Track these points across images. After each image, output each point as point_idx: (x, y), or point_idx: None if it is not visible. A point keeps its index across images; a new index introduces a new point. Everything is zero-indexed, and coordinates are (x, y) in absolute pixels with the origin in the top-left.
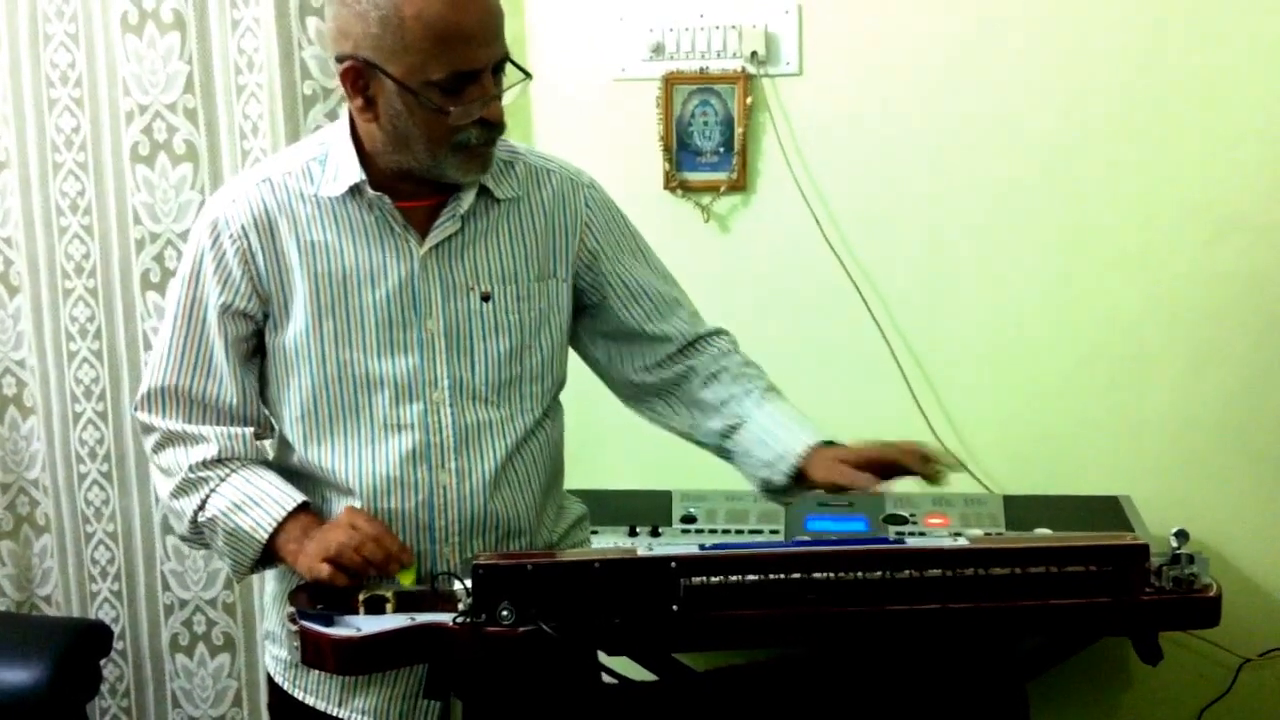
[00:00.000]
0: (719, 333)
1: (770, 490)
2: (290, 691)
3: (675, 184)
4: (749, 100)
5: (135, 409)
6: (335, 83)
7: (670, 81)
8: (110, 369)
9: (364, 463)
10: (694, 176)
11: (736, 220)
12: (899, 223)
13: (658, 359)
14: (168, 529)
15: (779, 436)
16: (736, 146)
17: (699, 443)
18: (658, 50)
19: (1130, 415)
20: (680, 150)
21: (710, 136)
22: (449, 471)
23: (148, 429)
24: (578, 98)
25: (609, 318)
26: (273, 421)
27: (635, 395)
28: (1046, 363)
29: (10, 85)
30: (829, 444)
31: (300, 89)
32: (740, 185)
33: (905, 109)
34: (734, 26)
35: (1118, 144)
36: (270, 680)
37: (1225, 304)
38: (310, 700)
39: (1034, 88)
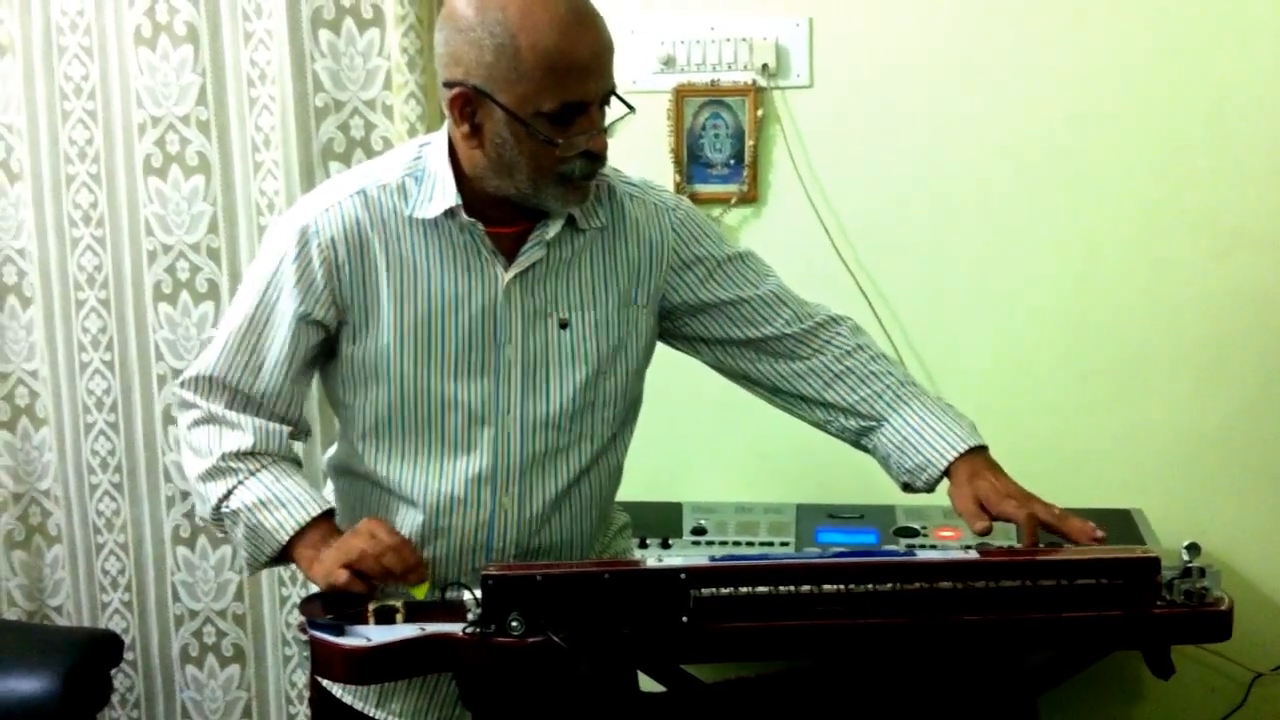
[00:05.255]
0: (836, 321)
1: (911, 491)
2: (330, 689)
3: (686, 196)
4: (760, 113)
5: (180, 385)
6: (346, 94)
7: (681, 94)
8: (122, 380)
9: (430, 480)
10: (705, 189)
11: (747, 233)
12: (909, 235)
13: (769, 358)
14: (178, 539)
15: (918, 447)
16: (747, 159)
17: (835, 436)
18: (668, 63)
19: (1141, 428)
20: (691, 163)
21: (721, 149)
22: (511, 496)
23: (188, 405)
24: None
25: (708, 329)
26: (308, 424)
27: (761, 391)
28: (1056, 375)
29: (24, 97)
30: (979, 448)
31: (312, 101)
32: (751, 198)
33: (915, 121)
34: (745, 39)
35: (1127, 158)
36: (312, 675)
37: (1235, 317)
38: (349, 699)
39: (1043, 101)
